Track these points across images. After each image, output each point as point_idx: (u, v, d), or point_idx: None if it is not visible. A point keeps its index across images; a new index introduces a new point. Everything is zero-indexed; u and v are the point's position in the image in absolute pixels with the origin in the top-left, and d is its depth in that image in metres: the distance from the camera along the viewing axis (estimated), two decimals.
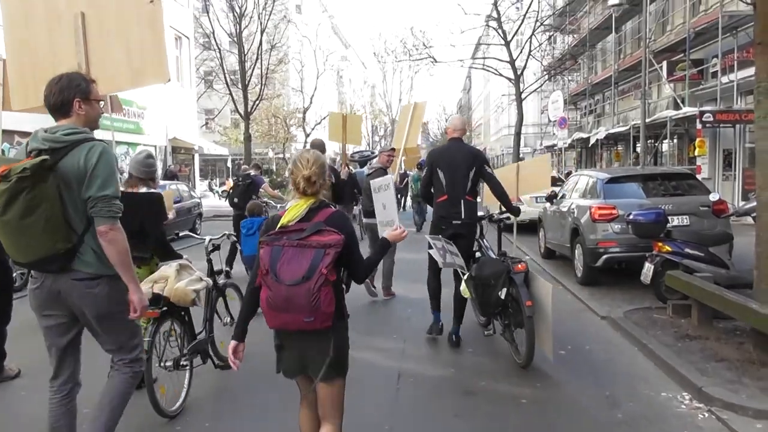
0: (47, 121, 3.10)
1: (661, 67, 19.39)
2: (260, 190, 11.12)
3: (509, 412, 4.29)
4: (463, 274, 5.48)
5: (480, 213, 6.04)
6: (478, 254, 6.00)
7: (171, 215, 6.56)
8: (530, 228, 13.08)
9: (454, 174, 5.66)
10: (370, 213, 7.60)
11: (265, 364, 3.11)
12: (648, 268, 6.92)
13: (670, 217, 7.39)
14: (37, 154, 2.84)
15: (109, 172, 2.89)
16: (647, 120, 18.48)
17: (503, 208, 6.04)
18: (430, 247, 5.52)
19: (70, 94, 2.97)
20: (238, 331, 2.87)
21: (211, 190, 37.10)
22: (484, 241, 6.21)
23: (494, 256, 5.76)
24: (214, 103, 35.84)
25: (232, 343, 2.85)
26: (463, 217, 5.62)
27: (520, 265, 5.13)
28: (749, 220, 10.53)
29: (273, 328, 2.78)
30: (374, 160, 9.40)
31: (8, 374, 5.00)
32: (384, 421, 4.12)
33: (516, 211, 6.01)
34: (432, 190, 5.82)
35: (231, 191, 11.46)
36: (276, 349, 2.90)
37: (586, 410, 4.30)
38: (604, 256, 7.94)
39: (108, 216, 2.87)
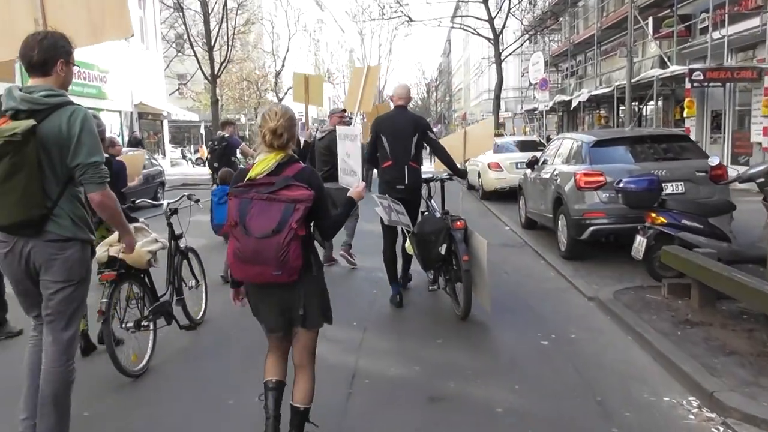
0: None
1: (646, 24, 18.49)
2: (238, 151, 10.61)
3: (481, 426, 3.53)
4: (409, 232, 5.77)
5: (429, 175, 6.33)
6: (426, 213, 6.21)
7: (137, 181, 6.87)
8: (510, 196, 12.35)
9: (397, 141, 5.78)
10: (324, 178, 6.86)
11: (229, 326, 3.22)
12: (640, 242, 6.16)
13: (663, 184, 6.58)
14: (13, 114, 2.76)
15: (93, 139, 2.87)
16: (633, 80, 17.63)
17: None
18: (377, 206, 5.64)
19: (55, 54, 2.90)
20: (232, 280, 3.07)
21: (185, 157, 36.06)
22: (432, 202, 6.35)
23: (438, 215, 5.88)
24: (187, 68, 34.26)
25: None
26: (406, 182, 5.76)
27: (458, 223, 5.42)
28: (740, 186, 9.83)
29: (239, 279, 2.91)
30: (326, 123, 8.75)
31: (11, 330, 5.10)
32: None
33: (463, 174, 6.42)
34: (378, 156, 5.92)
35: (209, 157, 11.36)
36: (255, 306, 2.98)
37: (574, 423, 3.54)
38: (591, 228, 7.15)
39: (99, 182, 2.88)
